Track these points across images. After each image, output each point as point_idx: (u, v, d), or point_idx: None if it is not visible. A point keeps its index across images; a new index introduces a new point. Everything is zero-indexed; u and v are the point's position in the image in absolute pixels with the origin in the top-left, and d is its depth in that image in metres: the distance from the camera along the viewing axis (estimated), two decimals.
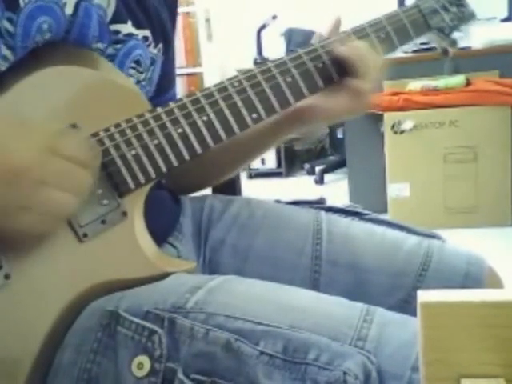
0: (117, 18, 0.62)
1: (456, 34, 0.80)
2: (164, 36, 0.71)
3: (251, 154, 0.80)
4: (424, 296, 0.31)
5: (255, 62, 3.72)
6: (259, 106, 0.63)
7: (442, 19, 0.77)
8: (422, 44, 2.47)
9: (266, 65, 0.64)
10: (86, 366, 0.50)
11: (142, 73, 0.67)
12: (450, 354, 0.31)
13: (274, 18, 3.59)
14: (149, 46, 0.67)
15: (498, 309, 0.30)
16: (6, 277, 0.50)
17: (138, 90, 0.63)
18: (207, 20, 3.99)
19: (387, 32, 0.72)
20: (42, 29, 0.55)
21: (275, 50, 3.62)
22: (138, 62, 0.66)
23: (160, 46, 0.70)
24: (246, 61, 3.81)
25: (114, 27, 0.62)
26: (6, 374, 0.50)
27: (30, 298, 0.51)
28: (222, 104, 0.60)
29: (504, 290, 0.32)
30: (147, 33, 0.66)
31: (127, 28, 0.63)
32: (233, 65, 3.90)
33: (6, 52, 0.54)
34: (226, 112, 0.61)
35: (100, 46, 0.62)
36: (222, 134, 0.60)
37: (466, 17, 0.79)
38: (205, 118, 0.59)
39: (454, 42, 0.79)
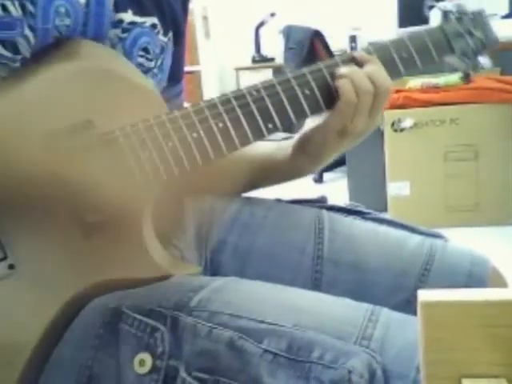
0: (118, 7, 0.62)
1: (479, 59, 0.79)
2: (174, 25, 0.70)
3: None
4: (424, 295, 0.31)
5: (253, 60, 3.71)
6: (275, 117, 0.62)
7: (466, 43, 0.77)
8: None
9: (285, 76, 0.65)
10: (87, 362, 0.50)
11: (151, 60, 0.66)
12: (450, 353, 0.31)
13: (273, 15, 3.60)
14: (157, 33, 0.67)
15: (499, 308, 0.30)
16: (11, 267, 0.51)
17: (155, 90, 0.63)
18: (204, 17, 3.99)
19: (409, 52, 0.71)
20: (59, 12, 0.57)
21: (273, 47, 3.61)
22: (146, 50, 0.65)
23: (170, 34, 0.69)
24: (244, 59, 3.81)
25: (116, 16, 0.62)
26: (5, 362, 0.51)
27: (33, 289, 0.52)
28: (239, 111, 0.60)
29: (505, 289, 0.32)
30: (155, 20, 0.66)
31: (128, 16, 0.63)
32: (231, 63, 3.90)
33: (28, 32, 0.55)
34: (242, 120, 0.61)
35: (118, 32, 0.62)
36: (237, 141, 0.60)
37: (489, 42, 0.79)
38: (221, 125, 0.59)
39: (476, 66, 0.79)
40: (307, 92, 0.65)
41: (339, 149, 0.70)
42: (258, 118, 0.62)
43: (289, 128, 0.67)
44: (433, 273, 0.69)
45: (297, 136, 0.73)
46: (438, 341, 0.31)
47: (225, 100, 0.60)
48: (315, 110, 0.66)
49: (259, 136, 0.62)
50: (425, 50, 0.73)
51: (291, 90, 0.64)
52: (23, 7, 0.54)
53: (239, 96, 0.61)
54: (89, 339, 0.51)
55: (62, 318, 0.52)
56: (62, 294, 0.52)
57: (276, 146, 0.75)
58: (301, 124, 0.72)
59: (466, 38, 0.77)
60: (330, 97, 0.66)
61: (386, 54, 0.70)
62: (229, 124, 0.60)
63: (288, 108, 0.63)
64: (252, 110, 0.61)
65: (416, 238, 0.73)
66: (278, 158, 0.74)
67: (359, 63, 0.67)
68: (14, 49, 0.55)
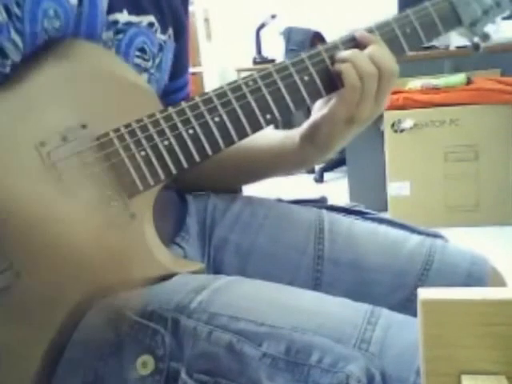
0: (112, 7, 0.61)
1: (488, 27, 0.75)
2: (174, 21, 0.69)
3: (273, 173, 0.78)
4: (424, 293, 0.31)
5: (254, 62, 3.71)
6: (274, 106, 0.60)
7: (474, 12, 0.73)
8: None
9: (282, 63, 0.62)
10: (93, 363, 0.50)
11: (148, 60, 0.65)
12: (450, 350, 0.31)
13: (273, 17, 3.59)
14: (155, 32, 0.65)
15: (498, 307, 0.30)
16: (17, 275, 0.51)
17: (150, 88, 0.62)
18: (206, 20, 3.99)
19: (413, 27, 0.68)
20: (48, 14, 0.55)
21: (274, 49, 3.62)
22: (142, 50, 0.64)
23: (170, 31, 0.68)
24: (245, 60, 3.81)
25: (111, 17, 0.61)
26: (18, 367, 0.51)
27: (39, 296, 0.52)
28: (235, 104, 0.59)
29: (504, 288, 0.32)
30: (151, 18, 0.64)
31: (124, 17, 0.62)
32: (232, 64, 3.90)
33: (15, 36, 0.53)
34: (239, 112, 0.59)
35: (110, 35, 0.61)
36: (234, 135, 0.59)
37: (503, 6, 0.75)
38: (217, 119, 0.58)
39: (486, 37, 0.75)
40: (306, 78, 0.62)
41: (347, 137, 0.69)
42: (256, 109, 0.60)
43: (288, 121, 0.66)
44: (432, 272, 0.69)
45: (304, 125, 0.71)
46: (437, 338, 0.31)
47: (220, 93, 0.59)
48: (315, 97, 0.64)
49: (257, 128, 0.60)
50: (430, 23, 0.69)
51: (289, 77, 0.61)
52: (8, 11, 0.53)
53: (235, 88, 0.59)
54: (94, 341, 0.51)
55: (70, 322, 0.52)
56: (68, 297, 0.52)
57: (284, 135, 0.74)
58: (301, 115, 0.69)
59: (474, 5, 0.73)
60: (330, 82, 0.63)
61: (388, 30, 0.67)
62: (225, 118, 0.58)
63: (286, 97, 0.61)
64: (249, 102, 0.59)
65: (416, 238, 0.73)
66: (286, 148, 0.73)
67: (361, 44, 0.65)
68: (2, 54, 0.54)
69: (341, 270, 0.71)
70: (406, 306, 0.66)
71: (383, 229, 0.74)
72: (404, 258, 0.70)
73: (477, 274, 0.69)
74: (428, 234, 0.75)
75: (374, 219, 0.77)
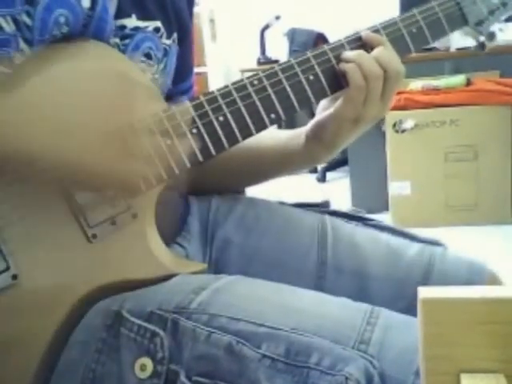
0: (120, 13, 0.60)
1: (494, 27, 0.75)
2: (179, 25, 0.68)
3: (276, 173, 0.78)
4: (425, 292, 0.31)
5: (259, 62, 3.75)
6: (278, 106, 0.60)
7: (480, 11, 0.73)
8: None
9: (288, 62, 0.62)
10: (91, 365, 0.50)
11: (152, 66, 0.65)
12: (449, 349, 0.31)
13: (278, 18, 3.61)
14: (161, 37, 0.65)
15: (497, 305, 0.31)
16: (14, 277, 0.50)
17: (154, 86, 0.62)
18: (211, 20, 4.01)
19: (419, 26, 0.68)
20: (58, 22, 0.54)
21: (278, 49, 3.65)
22: (148, 56, 0.63)
23: (174, 35, 0.67)
24: (249, 61, 3.84)
25: (118, 22, 0.60)
26: (16, 368, 0.51)
27: (38, 298, 0.52)
28: (240, 103, 0.58)
29: (502, 286, 0.34)
30: (158, 23, 0.64)
31: (132, 22, 0.61)
32: (236, 64, 3.93)
33: (24, 46, 0.53)
34: (244, 112, 0.58)
35: (117, 40, 0.60)
36: (238, 135, 0.59)
37: (509, 6, 0.74)
38: (221, 118, 0.58)
39: (491, 36, 0.75)
40: (311, 78, 0.62)
41: (353, 135, 0.68)
42: (261, 108, 0.59)
43: (291, 120, 0.67)
44: (432, 281, 0.69)
45: (310, 124, 0.71)
46: (437, 337, 0.31)
47: (225, 92, 0.58)
48: (320, 97, 0.64)
49: (261, 128, 0.60)
50: (436, 22, 0.69)
51: (295, 76, 0.61)
52: (16, 21, 0.51)
53: (240, 87, 0.59)
54: (92, 342, 0.50)
55: (68, 323, 0.52)
56: (66, 301, 0.52)
57: (289, 134, 0.73)
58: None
59: (481, 5, 0.73)
60: (335, 81, 0.63)
61: (394, 30, 0.67)
62: (230, 117, 0.58)
63: (291, 96, 0.61)
64: (254, 101, 0.59)
65: (416, 247, 0.72)
66: (292, 147, 0.72)
67: (366, 44, 0.65)
68: (10, 63, 0.53)
69: (343, 277, 0.70)
70: (406, 314, 0.67)
71: (384, 236, 0.74)
72: (404, 267, 0.70)
73: (476, 283, 0.68)
74: (428, 242, 0.74)
75: (375, 226, 0.76)
